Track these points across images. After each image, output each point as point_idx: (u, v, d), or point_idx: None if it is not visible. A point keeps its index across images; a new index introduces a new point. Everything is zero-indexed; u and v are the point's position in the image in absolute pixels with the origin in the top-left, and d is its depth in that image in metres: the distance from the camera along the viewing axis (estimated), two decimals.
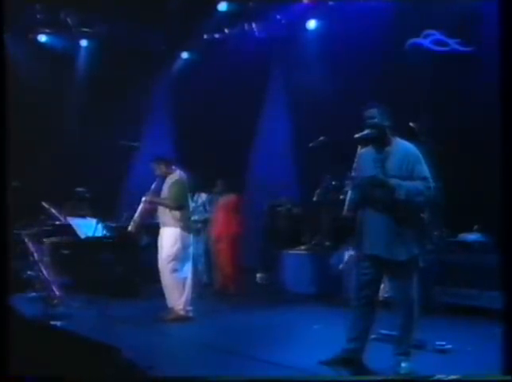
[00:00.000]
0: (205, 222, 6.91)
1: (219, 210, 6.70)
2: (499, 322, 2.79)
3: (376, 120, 3.45)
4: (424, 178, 3.35)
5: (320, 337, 4.45)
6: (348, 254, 5.81)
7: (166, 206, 5.13)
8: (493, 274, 4.23)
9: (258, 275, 7.09)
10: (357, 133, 3.56)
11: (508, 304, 2.68)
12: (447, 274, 4.86)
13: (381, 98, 3.74)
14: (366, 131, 3.45)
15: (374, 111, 3.48)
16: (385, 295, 4.00)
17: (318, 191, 6.14)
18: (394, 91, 6.04)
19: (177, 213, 5.09)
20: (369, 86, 6.18)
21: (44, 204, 5.55)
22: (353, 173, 3.40)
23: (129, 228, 5.21)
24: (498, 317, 3.07)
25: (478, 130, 5.46)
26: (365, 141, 3.48)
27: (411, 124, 4.84)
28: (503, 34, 2.76)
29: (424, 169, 3.39)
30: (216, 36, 8.45)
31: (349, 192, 3.36)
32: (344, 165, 5.55)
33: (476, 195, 5.26)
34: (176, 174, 5.25)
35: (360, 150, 3.48)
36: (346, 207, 3.34)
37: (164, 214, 5.16)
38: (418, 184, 3.33)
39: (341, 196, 5.83)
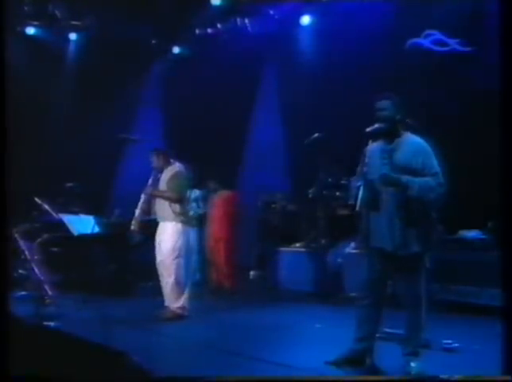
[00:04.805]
0: (198, 218, 6.86)
1: (216, 208, 6.65)
2: (499, 321, 2.79)
3: (387, 112, 3.31)
4: (435, 174, 3.26)
5: (319, 336, 4.43)
6: (346, 251, 5.80)
7: (167, 199, 5.01)
8: (493, 272, 4.25)
9: (252, 273, 7.07)
10: (352, 129, 3.49)
11: (508, 303, 2.68)
12: (446, 271, 4.86)
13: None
14: (376, 125, 3.31)
15: (385, 103, 3.34)
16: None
17: (313, 188, 6.12)
18: (393, 90, 6.02)
19: (177, 207, 5.01)
20: (366, 84, 6.15)
21: (36, 199, 5.42)
22: (364, 169, 3.27)
23: (132, 227, 5.10)
24: (497, 315, 3.09)
25: (477, 130, 5.45)
26: (375, 135, 3.35)
27: (408, 121, 4.82)
28: (503, 34, 2.75)
29: (435, 165, 3.29)
30: (209, 30, 8.37)
31: (361, 189, 3.23)
32: (339, 162, 5.57)
33: (476, 193, 5.28)
34: (176, 166, 5.16)
35: (370, 144, 3.35)
36: (358, 204, 3.23)
37: (164, 209, 5.04)
38: (429, 180, 3.24)
39: (337, 193, 5.90)
